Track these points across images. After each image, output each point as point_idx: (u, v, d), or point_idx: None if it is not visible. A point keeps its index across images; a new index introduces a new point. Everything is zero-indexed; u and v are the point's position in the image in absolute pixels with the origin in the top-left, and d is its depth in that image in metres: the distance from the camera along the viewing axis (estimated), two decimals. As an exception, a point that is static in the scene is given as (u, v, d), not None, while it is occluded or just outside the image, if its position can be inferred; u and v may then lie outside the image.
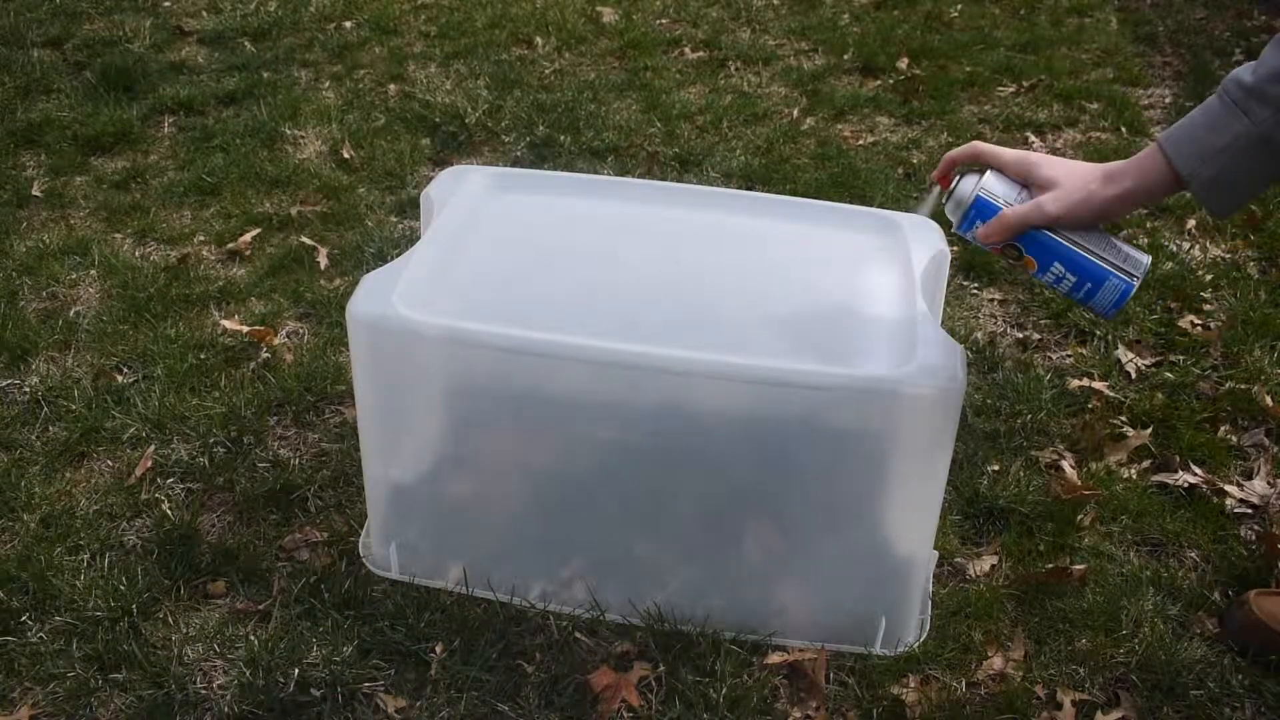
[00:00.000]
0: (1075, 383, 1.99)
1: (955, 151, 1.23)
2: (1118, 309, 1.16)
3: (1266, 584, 1.58)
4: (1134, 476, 1.79)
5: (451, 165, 2.22)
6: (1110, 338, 2.11)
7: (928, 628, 1.51)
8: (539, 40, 3.47)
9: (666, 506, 1.46)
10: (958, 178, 1.20)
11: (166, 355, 2.02)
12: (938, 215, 1.28)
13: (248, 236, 2.40)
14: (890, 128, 2.98)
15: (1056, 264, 1.16)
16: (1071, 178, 1.14)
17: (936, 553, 1.60)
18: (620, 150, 2.79)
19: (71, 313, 2.16)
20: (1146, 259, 1.16)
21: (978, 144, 1.21)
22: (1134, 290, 1.15)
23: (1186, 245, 2.41)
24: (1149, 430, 1.87)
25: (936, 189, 1.24)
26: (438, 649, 1.48)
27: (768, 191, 2.54)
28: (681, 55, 3.41)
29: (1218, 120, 1.05)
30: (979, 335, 2.13)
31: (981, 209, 1.17)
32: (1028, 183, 1.17)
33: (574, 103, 3.03)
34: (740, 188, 2.58)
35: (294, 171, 2.67)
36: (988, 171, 1.18)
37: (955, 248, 2.31)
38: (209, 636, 1.51)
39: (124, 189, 2.62)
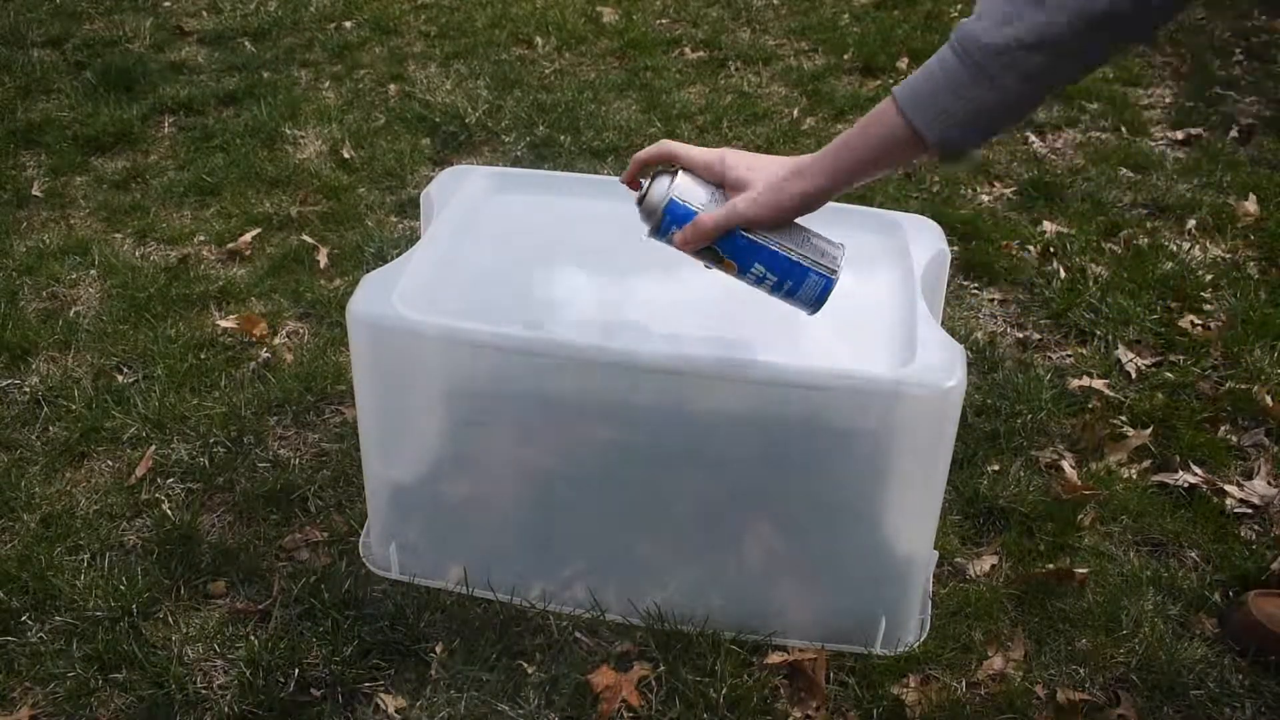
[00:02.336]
0: (1075, 383, 1.99)
1: (644, 152, 1.17)
2: (820, 304, 1.16)
3: (1267, 584, 1.58)
4: (1134, 476, 1.79)
5: (451, 165, 2.22)
6: (1110, 338, 2.11)
7: (928, 628, 1.51)
8: (539, 40, 3.47)
9: (666, 506, 1.46)
10: (649, 181, 1.15)
11: (166, 355, 2.02)
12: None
13: (248, 236, 2.40)
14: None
15: (757, 264, 1.14)
16: (764, 176, 1.10)
17: (936, 553, 1.60)
18: (620, 150, 2.79)
19: (71, 313, 2.16)
20: (842, 250, 1.15)
21: (667, 143, 1.16)
22: (834, 284, 1.14)
23: (1186, 245, 2.41)
24: (1149, 430, 1.87)
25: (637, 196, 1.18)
26: (438, 649, 1.48)
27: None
28: (681, 55, 3.41)
29: (961, 86, 0.99)
30: (979, 335, 2.13)
31: (675, 214, 1.12)
32: (721, 183, 1.13)
33: (574, 103, 3.03)
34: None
35: (294, 171, 2.67)
36: (679, 173, 1.13)
37: (955, 248, 2.31)
38: (209, 636, 1.51)
39: (124, 189, 2.62)
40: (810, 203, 1.11)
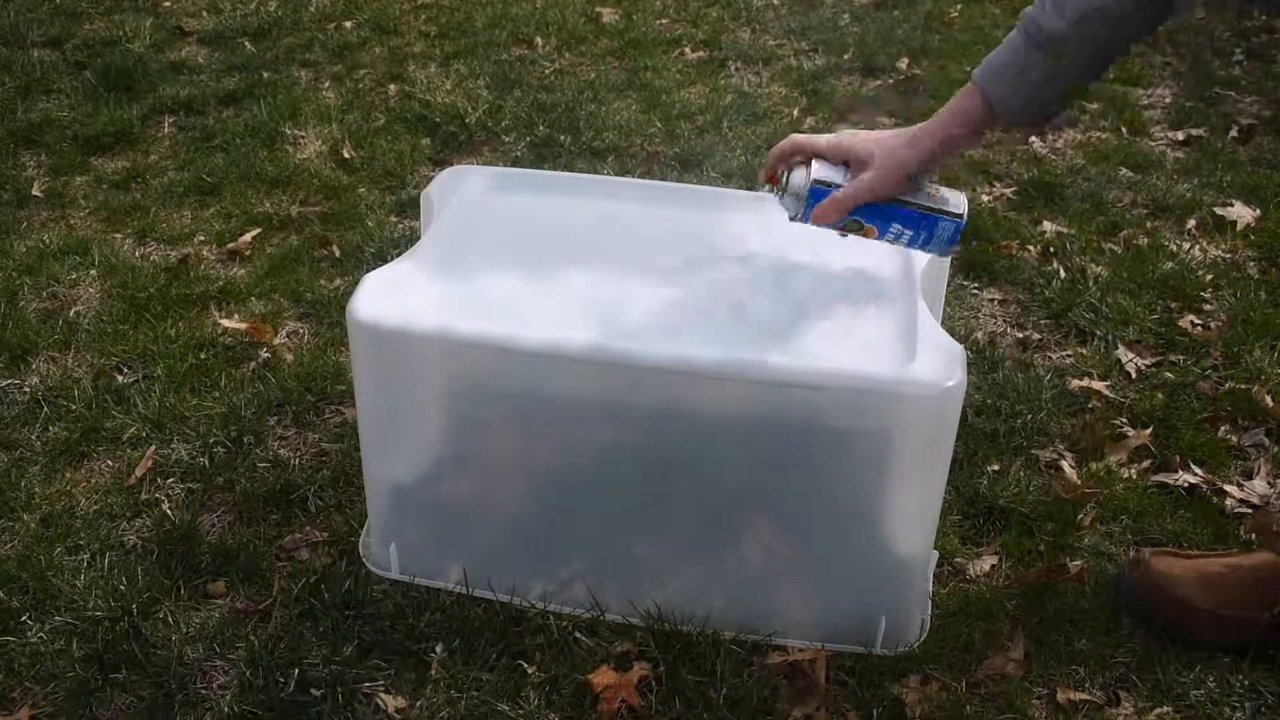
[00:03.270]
0: (1075, 383, 1.99)
1: (777, 148, 1.33)
2: (953, 245, 1.33)
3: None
4: (1134, 476, 1.79)
5: (451, 165, 2.22)
6: (1110, 338, 2.11)
7: (928, 628, 1.51)
8: (539, 40, 3.47)
9: (666, 506, 1.46)
10: (785, 172, 1.31)
11: (166, 355, 2.02)
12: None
13: (248, 236, 2.40)
14: (890, 128, 2.98)
15: (894, 225, 1.31)
16: (882, 150, 1.28)
17: (936, 553, 1.60)
18: (620, 150, 2.79)
19: (71, 313, 2.16)
20: (964, 196, 1.32)
21: (796, 136, 1.32)
22: (964, 226, 1.31)
23: (1186, 245, 2.41)
24: (1149, 430, 1.87)
25: (767, 187, 1.35)
26: (438, 649, 1.48)
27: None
28: (681, 55, 3.41)
29: (1029, 60, 1.22)
30: (979, 335, 2.13)
31: (817, 195, 1.29)
32: (847, 162, 1.29)
33: (574, 103, 3.03)
34: (740, 188, 2.58)
35: (294, 171, 2.67)
36: (813, 161, 1.29)
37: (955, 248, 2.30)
38: (209, 636, 1.51)
39: (124, 189, 2.62)
40: (925, 166, 1.29)
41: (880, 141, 1.29)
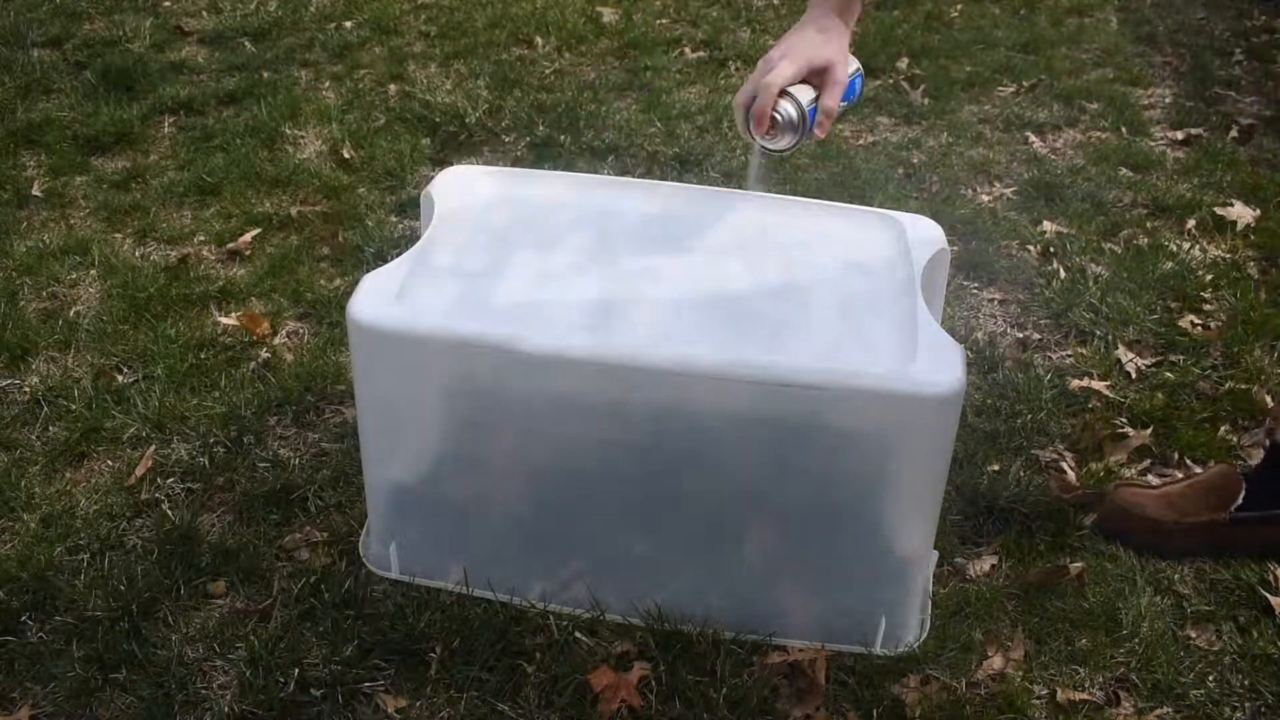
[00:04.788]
0: (1075, 383, 1.99)
1: (761, 101, 1.40)
2: (860, 94, 1.48)
3: (1266, 581, 1.59)
4: (1134, 476, 1.79)
5: (451, 165, 2.22)
6: (1110, 338, 2.11)
7: (928, 628, 1.51)
8: (539, 40, 3.46)
9: (666, 507, 1.46)
10: (779, 114, 1.40)
11: (166, 355, 2.02)
12: (771, 162, 1.42)
13: (248, 236, 2.40)
14: (890, 128, 2.98)
15: (850, 95, 1.44)
16: (829, 49, 1.39)
17: (936, 553, 1.60)
18: (620, 150, 2.79)
19: (71, 313, 2.16)
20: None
21: (765, 84, 1.41)
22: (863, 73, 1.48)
23: (1186, 245, 2.41)
24: (1149, 430, 1.87)
25: (755, 143, 1.43)
26: (438, 649, 1.48)
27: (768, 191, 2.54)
28: (681, 55, 3.41)
29: None
30: (979, 335, 2.13)
31: (813, 115, 1.40)
32: (811, 74, 1.39)
33: (574, 103, 3.03)
34: (740, 187, 2.58)
35: (294, 171, 2.67)
36: (789, 90, 1.39)
37: (955, 248, 2.31)
38: (209, 636, 1.51)
39: (124, 189, 2.62)
40: (851, 22, 1.43)
41: (818, 44, 1.39)
